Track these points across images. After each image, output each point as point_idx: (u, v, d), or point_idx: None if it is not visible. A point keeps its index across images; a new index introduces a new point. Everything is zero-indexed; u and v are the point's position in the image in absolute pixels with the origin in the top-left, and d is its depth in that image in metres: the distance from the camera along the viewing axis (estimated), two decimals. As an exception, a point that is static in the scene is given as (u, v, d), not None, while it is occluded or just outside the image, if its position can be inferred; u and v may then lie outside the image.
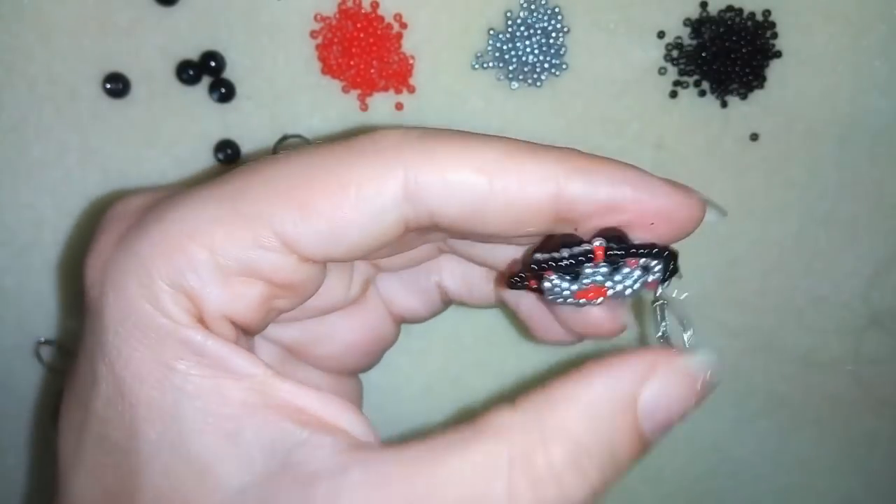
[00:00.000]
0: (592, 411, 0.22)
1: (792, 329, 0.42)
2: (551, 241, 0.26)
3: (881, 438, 0.44)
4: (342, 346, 0.32)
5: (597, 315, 0.29)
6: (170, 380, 0.23)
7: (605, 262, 0.25)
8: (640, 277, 0.26)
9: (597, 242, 0.25)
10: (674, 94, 0.39)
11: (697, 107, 0.39)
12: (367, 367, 0.34)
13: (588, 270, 0.25)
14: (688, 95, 0.39)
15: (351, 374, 0.34)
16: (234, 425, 0.23)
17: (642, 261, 0.25)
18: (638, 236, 0.25)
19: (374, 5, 0.38)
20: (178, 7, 0.37)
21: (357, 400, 0.35)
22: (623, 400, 0.23)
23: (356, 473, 0.22)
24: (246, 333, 0.26)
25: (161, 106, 0.38)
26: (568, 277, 0.25)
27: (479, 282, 0.33)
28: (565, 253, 0.25)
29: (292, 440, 0.23)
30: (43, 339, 0.40)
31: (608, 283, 0.26)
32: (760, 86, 0.39)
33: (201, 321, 0.24)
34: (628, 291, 0.26)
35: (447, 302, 0.34)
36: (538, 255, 0.26)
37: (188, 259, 0.23)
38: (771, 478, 0.45)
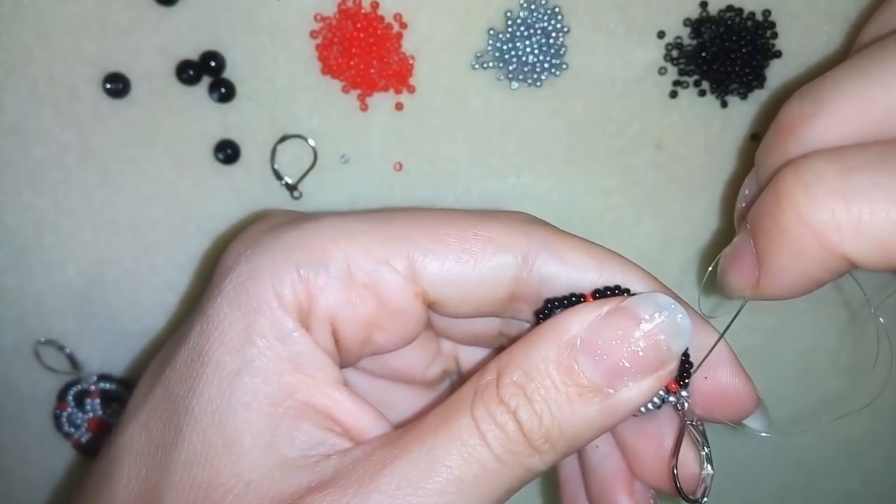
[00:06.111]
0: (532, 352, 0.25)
1: (792, 329, 0.42)
2: None
3: (881, 438, 0.44)
4: (396, 417, 0.32)
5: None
6: (245, 350, 0.25)
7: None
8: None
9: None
10: (674, 94, 0.39)
11: (697, 107, 0.39)
12: None
13: None
14: (688, 95, 0.39)
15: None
16: (275, 411, 0.25)
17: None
18: None
19: (374, 5, 0.38)
20: (178, 7, 0.37)
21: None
22: (559, 340, 0.24)
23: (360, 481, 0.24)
24: (341, 359, 0.28)
25: (161, 106, 0.38)
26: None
27: None
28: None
29: (318, 448, 0.25)
30: (43, 339, 0.41)
31: None
32: (760, 86, 0.39)
33: (305, 318, 0.26)
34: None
35: None
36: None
37: (325, 257, 0.26)
38: (770, 478, 0.45)
